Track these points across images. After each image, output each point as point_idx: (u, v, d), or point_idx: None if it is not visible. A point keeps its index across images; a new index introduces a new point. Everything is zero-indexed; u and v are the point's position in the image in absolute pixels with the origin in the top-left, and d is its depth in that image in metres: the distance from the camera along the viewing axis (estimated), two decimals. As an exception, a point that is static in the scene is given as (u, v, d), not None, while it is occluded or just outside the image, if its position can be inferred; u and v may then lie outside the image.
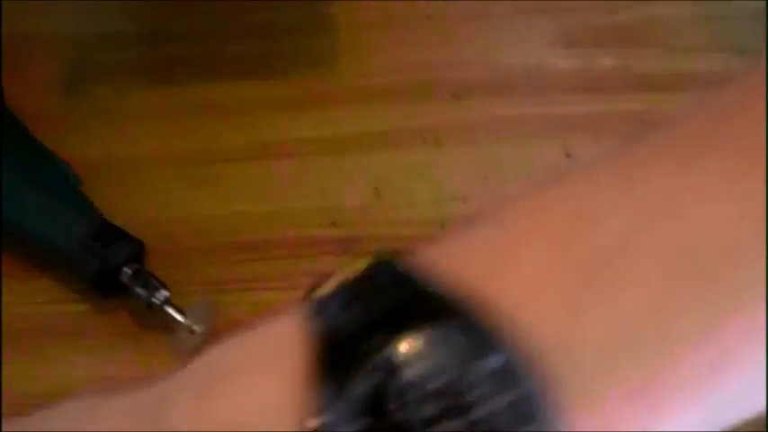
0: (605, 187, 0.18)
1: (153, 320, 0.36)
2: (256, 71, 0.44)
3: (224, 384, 0.18)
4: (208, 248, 0.39)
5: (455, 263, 0.18)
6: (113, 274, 0.35)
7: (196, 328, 0.35)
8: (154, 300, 0.35)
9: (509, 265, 0.17)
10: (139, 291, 0.35)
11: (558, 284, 0.17)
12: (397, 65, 0.44)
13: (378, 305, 0.17)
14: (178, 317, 0.35)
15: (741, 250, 0.16)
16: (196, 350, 0.35)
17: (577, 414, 0.16)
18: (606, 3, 0.46)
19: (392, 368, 0.16)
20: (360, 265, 0.18)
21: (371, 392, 0.16)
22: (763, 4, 0.45)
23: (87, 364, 0.36)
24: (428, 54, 0.45)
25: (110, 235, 0.36)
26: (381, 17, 0.46)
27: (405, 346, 0.16)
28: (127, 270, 0.35)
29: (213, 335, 0.35)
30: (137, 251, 0.36)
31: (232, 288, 0.37)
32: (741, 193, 0.17)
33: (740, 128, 0.18)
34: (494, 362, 0.16)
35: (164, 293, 0.35)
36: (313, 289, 0.18)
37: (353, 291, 0.17)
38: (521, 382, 0.16)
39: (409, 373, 0.16)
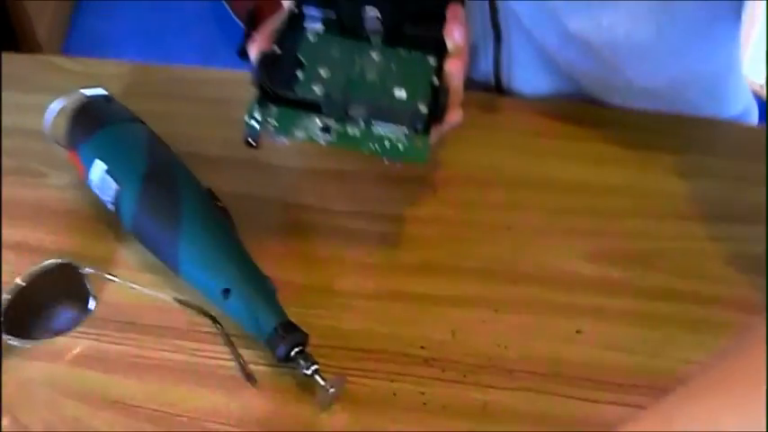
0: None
1: (306, 382, 0.59)
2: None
3: None
4: (343, 348, 0.62)
5: None
6: (289, 351, 0.59)
7: (332, 390, 0.58)
8: (309, 369, 0.59)
9: None
10: (302, 362, 0.59)
11: None
12: (481, 256, 0.68)
13: None
14: (322, 382, 0.58)
15: None
16: (330, 403, 0.59)
17: None
18: (626, 234, 0.70)
19: None
20: None
21: None
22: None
23: (270, 403, 0.60)
24: (501, 252, 0.69)
25: (290, 327, 0.60)
26: (475, 226, 0.71)
27: None
28: (296, 349, 0.59)
29: (340, 396, 0.59)
30: (304, 339, 0.60)
31: (354, 373, 0.61)
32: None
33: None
34: None
35: (315, 366, 0.59)
36: None
37: None
38: None
39: None
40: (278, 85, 0.60)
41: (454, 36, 0.63)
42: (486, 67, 0.82)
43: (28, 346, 0.62)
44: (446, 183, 0.73)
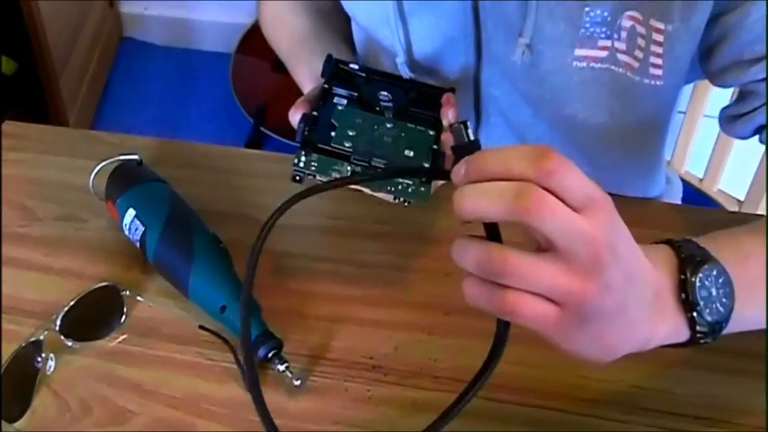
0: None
1: (279, 377, 0.78)
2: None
3: None
4: (308, 356, 0.81)
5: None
6: (267, 353, 0.78)
7: (298, 382, 0.77)
8: (282, 366, 0.78)
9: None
10: (276, 361, 0.78)
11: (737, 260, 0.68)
12: (423, 294, 0.87)
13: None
14: (290, 375, 0.77)
15: None
16: (293, 393, 0.77)
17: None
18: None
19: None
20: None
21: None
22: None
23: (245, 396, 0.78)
24: (439, 291, 0.87)
25: (269, 335, 0.79)
26: (421, 271, 0.90)
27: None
28: (273, 352, 0.78)
29: (304, 389, 0.78)
30: (279, 345, 0.79)
31: (315, 374, 0.80)
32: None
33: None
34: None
35: (286, 365, 0.78)
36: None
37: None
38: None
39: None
40: (317, 139, 0.79)
41: (448, 116, 0.83)
42: None
43: (77, 345, 0.81)
44: (402, 239, 0.93)
